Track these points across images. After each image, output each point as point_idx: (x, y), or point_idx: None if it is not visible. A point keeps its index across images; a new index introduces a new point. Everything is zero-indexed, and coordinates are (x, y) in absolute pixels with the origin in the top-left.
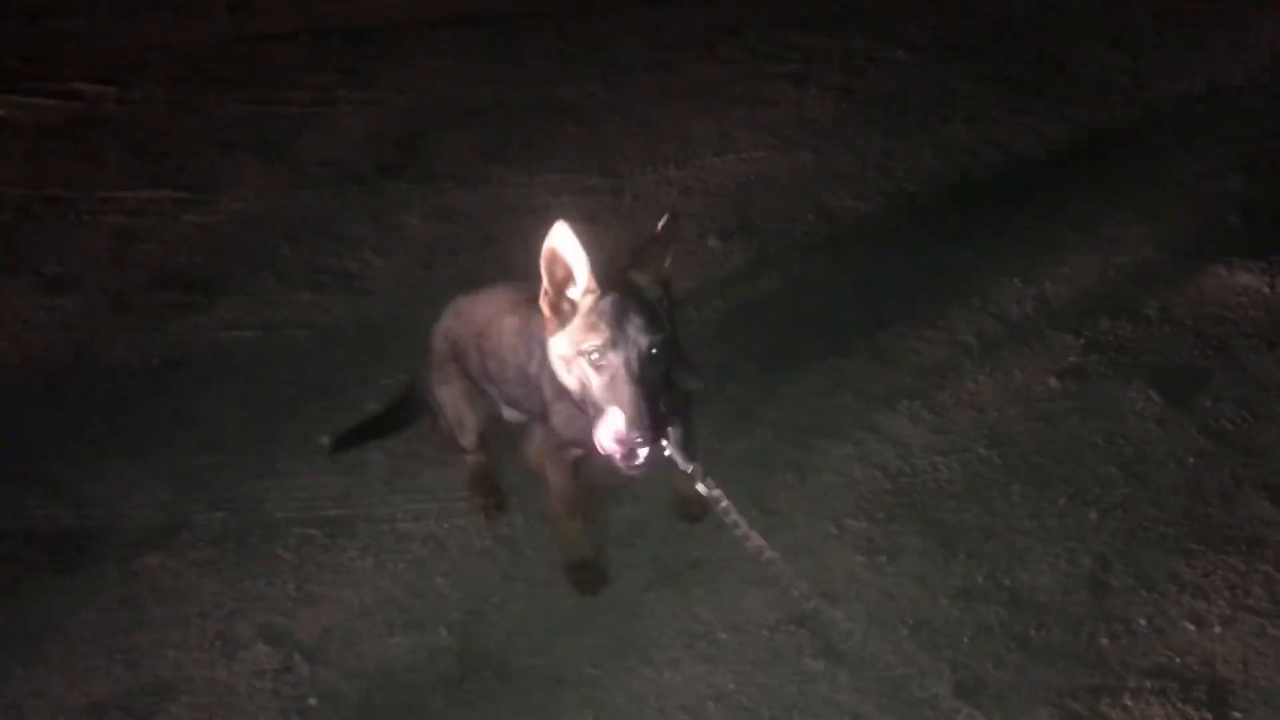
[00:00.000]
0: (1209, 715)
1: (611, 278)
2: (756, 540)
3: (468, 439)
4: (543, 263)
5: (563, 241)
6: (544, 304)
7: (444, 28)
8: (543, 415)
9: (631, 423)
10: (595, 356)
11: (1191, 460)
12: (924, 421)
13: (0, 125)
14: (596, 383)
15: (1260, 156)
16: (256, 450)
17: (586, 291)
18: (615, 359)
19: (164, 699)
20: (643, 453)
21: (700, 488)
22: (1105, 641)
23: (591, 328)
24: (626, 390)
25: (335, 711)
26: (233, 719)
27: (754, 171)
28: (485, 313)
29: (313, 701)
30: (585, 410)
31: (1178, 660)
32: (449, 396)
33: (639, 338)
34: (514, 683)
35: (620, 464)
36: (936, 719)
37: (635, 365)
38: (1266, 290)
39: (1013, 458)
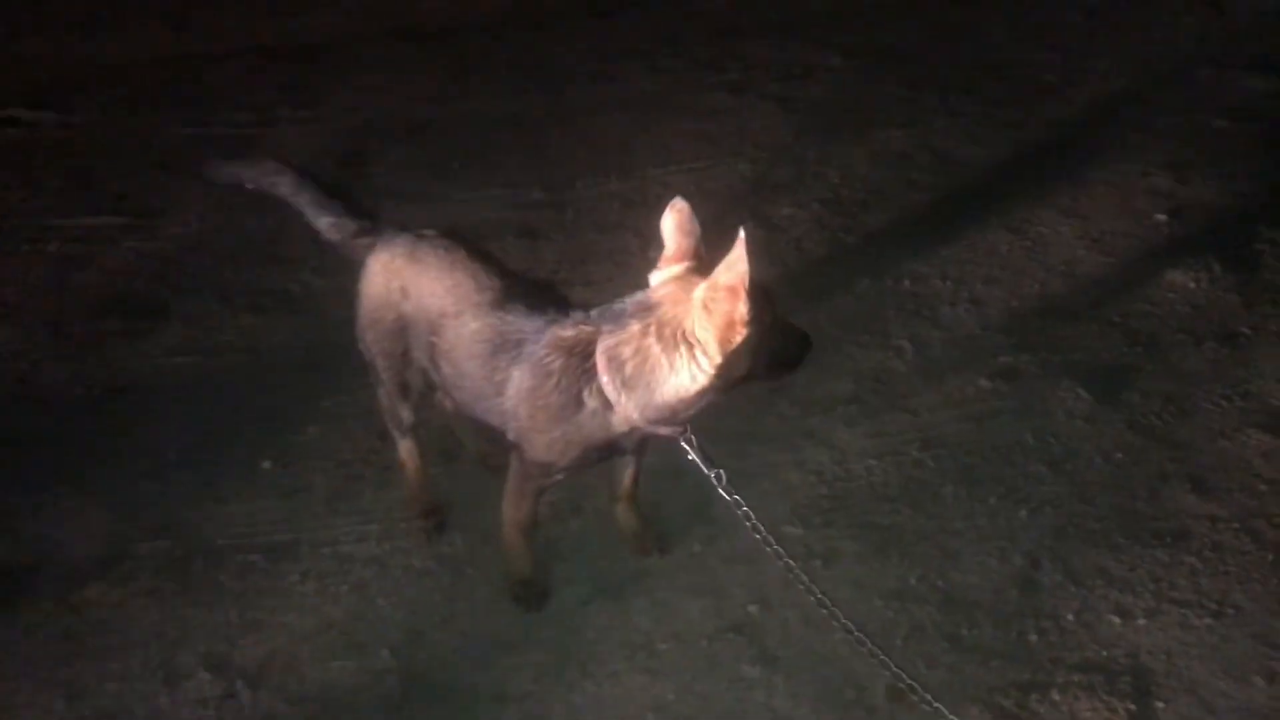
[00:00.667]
0: (1133, 706)
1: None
2: (776, 547)
3: (401, 428)
4: (750, 270)
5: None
6: (744, 315)
7: (386, 43)
8: (516, 445)
9: (802, 343)
10: (774, 322)
11: (1119, 456)
12: (859, 425)
13: None
14: (777, 343)
15: (1187, 155)
16: (198, 477)
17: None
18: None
19: None
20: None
21: (722, 492)
22: (1034, 638)
23: (768, 303)
24: (789, 325)
25: None
26: None
27: (694, 182)
28: (439, 302)
29: None
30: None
31: (1104, 654)
32: (389, 380)
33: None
34: (456, 701)
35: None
36: None
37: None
38: (1193, 286)
39: (945, 459)
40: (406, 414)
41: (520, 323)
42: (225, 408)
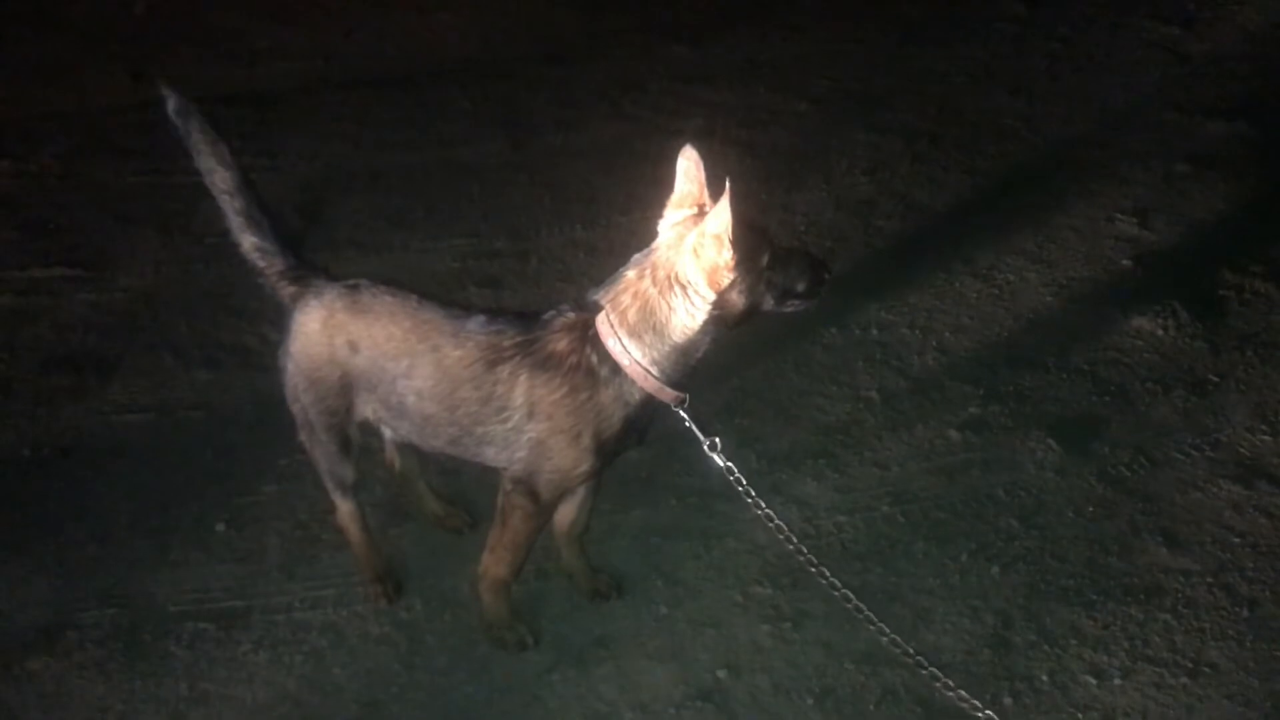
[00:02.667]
0: None
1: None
2: (767, 512)
3: (344, 487)
4: (732, 226)
5: (727, 213)
6: (730, 260)
7: (347, 91)
8: (522, 480)
9: (817, 270)
10: (772, 261)
11: (1091, 509)
12: (828, 480)
13: None
14: (781, 277)
15: (1152, 200)
16: (148, 540)
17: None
18: (784, 253)
19: None
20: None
21: (717, 459)
22: (1009, 700)
23: (758, 246)
24: (798, 255)
25: None
26: None
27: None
28: (402, 345)
29: None
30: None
31: (1080, 716)
32: (329, 440)
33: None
34: None
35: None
36: None
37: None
38: (1160, 333)
39: (915, 515)
40: (349, 472)
41: (513, 329)
42: (178, 468)
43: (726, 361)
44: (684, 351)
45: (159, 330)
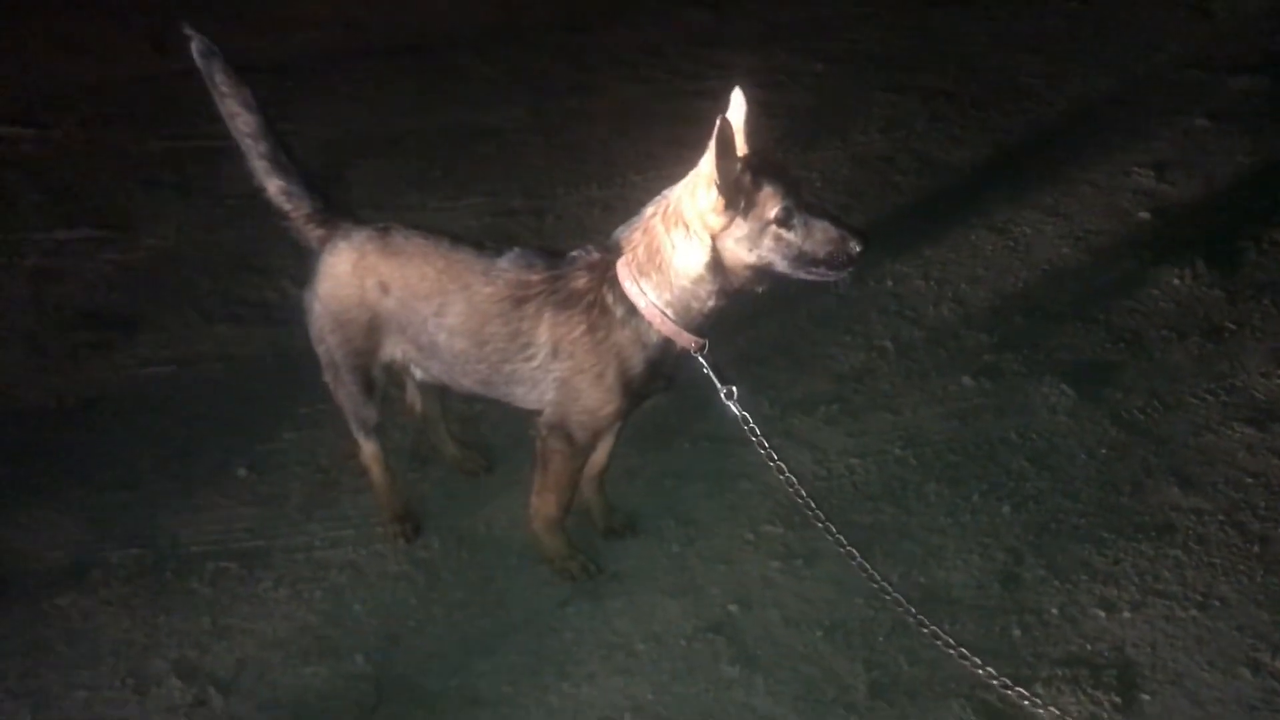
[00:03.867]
0: (1118, 699)
1: (745, 158)
2: (779, 464)
3: (367, 428)
4: (716, 162)
5: (731, 136)
6: (718, 200)
7: (368, 59)
8: (555, 425)
9: (845, 241)
10: (784, 217)
11: (1103, 451)
12: (841, 425)
13: None
14: (793, 237)
15: (1171, 155)
16: (172, 485)
17: (742, 172)
18: (802, 212)
19: None
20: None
21: (733, 408)
22: (1018, 633)
23: (771, 197)
24: (825, 225)
25: None
26: None
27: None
28: (435, 284)
29: None
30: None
31: (1088, 647)
32: (353, 381)
33: (801, 186)
34: (430, 706)
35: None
36: (851, 718)
37: (815, 201)
38: (1177, 282)
39: (927, 457)
40: (372, 413)
41: (544, 266)
42: (201, 417)
43: (743, 312)
44: (691, 295)
45: (182, 287)
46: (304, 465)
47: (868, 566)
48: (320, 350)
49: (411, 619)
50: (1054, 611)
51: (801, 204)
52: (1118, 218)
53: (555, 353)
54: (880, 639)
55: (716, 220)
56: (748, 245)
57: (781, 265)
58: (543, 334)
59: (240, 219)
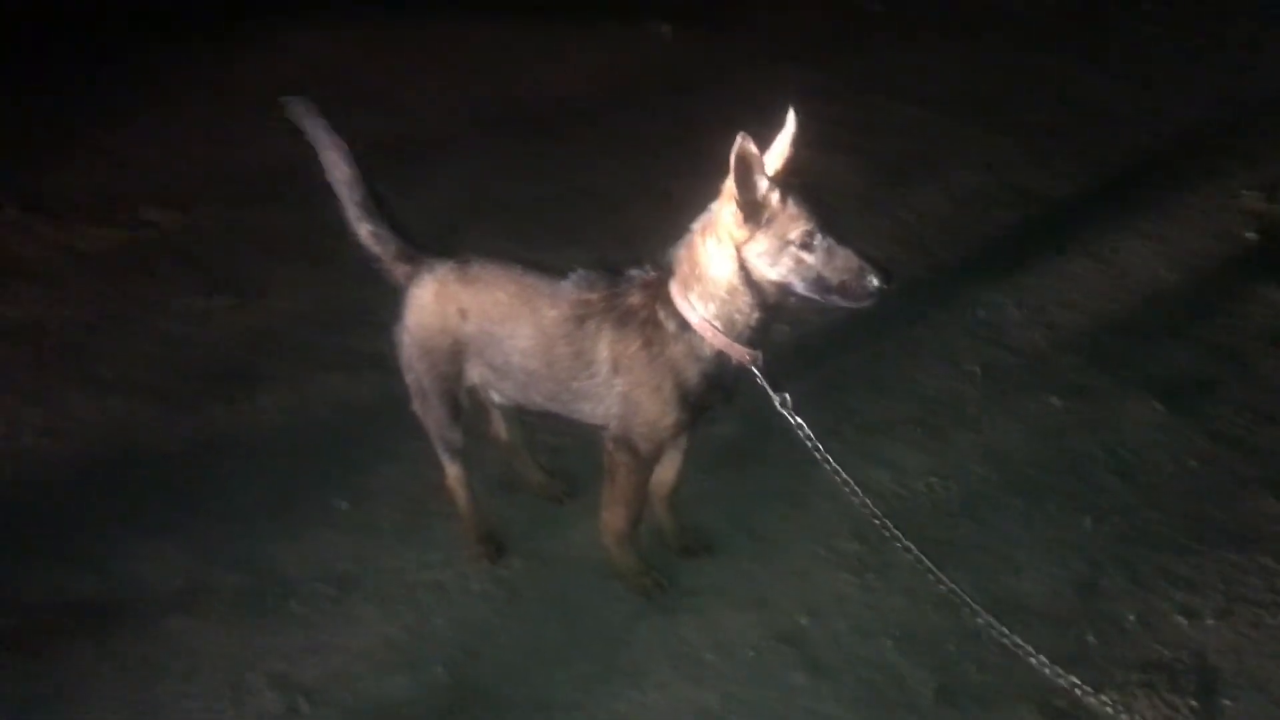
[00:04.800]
0: (1195, 703)
1: (778, 178)
2: (834, 466)
3: (453, 451)
4: (734, 178)
5: (749, 153)
6: (735, 216)
7: (480, 130)
8: (619, 438)
9: (864, 274)
10: (805, 241)
11: (1193, 464)
12: (922, 446)
13: (78, 257)
14: (813, 261)
15: (1277, 172)
16: (277, 518)
17: (770, 190)
18: (826, 237)
19: None
20: (880, 292)
21: (786, 415)
22: (1092, 639)
23: (794, 219)
24: (848, 254)
25: None
26: None
27: None
28: (508, 309)
29: None
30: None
31: (1167, 654)
32: (439, 405)
33: (830, 212)
34: (503, 711)
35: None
36: None
37: (839, 234)
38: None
39: (1009, 473)
40: (457, 436)
41: (604, 286)
42: (308, 457)
43: (825, 345)
44: (733, 307)
45: (301, 342)
46: (399, 496)
47: (934, 569)
48: (409, 378)
49: (490, 633)
50: (1131, 619)
51: (827, 230)
52: (1221, 240)
53: (615, 368)
54: (950, 647)
55: (739, 233)
56: (769, 261)
57: (800, 286)
58: (603, 351)
59: (360, 283)
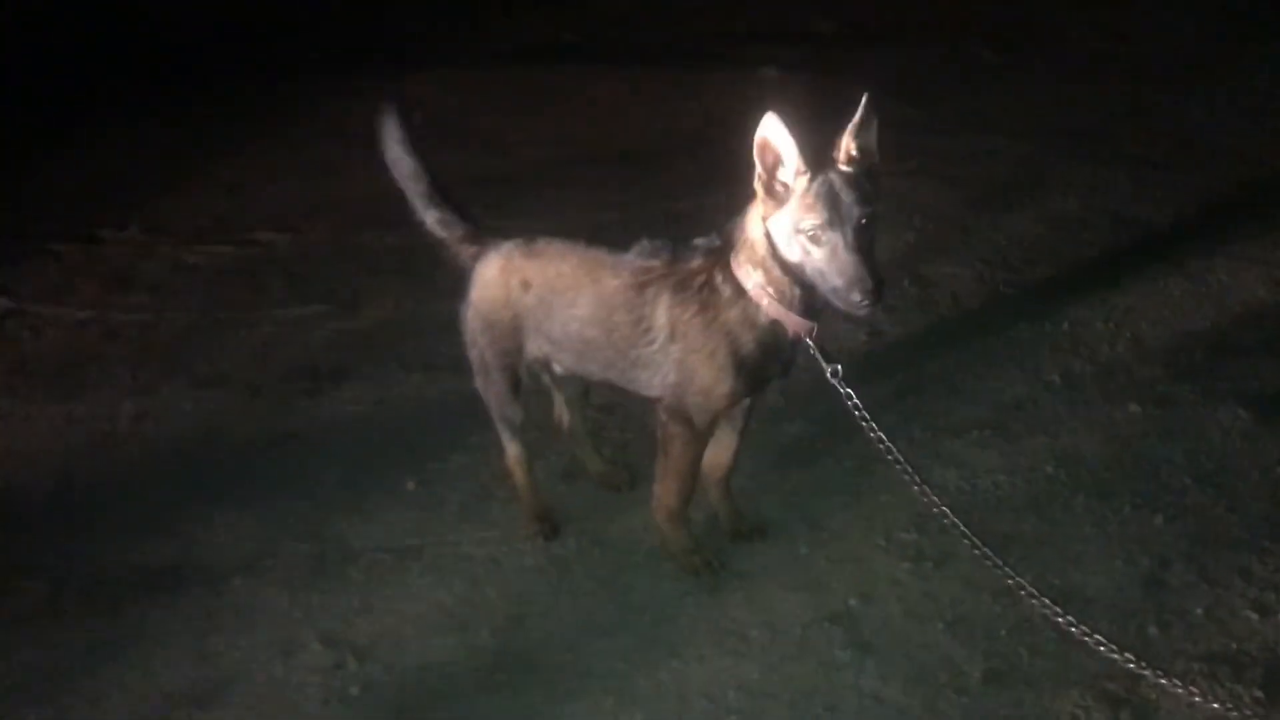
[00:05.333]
0: (1260, 693)
1: (819, 161)
2: (886, 443)
3: (513, 427)
4: (755, 150)
5: (773, 130)
6: (758, 188)
7: (580, 166)
8: (674, 410)
9: (853, 286)
10: (814, 233)
11: (1279, 470)
12: (993, 447)
13: (188, 270)
14: (817, 255)
15: None
16: (347, 496)
17: (798, 174)
18: (833, 235)
19: (223, 690)
20: (868, 310)
21: (838, 385)
22: (1154, 630)
23: (808, 208)
24: (847, 260)
25: (372, 698)
26: (281, 706)
27: None
28: (570, 280)
29: (354, 691)
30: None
31: (1234, 646)
32: (501, 379)
33: (852, 213)
34: (543, 674)
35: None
36: (961, 700)
37: (851, 237)
38: None
39: (1080, 474)
40: (518, 412)
41: (666, 254)
42: (384, 445)
43: (900, 353)
44: (778, 278)
45: (389, 347)
46: (466, 481)
47: (990, 553)
48: (473, 354)
49: (539, 604)
50: (1198, 612)
51: (835, 228)
52: None
53: (672, 334)
54: (1003, 632)
55: (764, 207)
56: (784, 241)
57: (806, 273)
58: (661, 317)
59: (449, 297)
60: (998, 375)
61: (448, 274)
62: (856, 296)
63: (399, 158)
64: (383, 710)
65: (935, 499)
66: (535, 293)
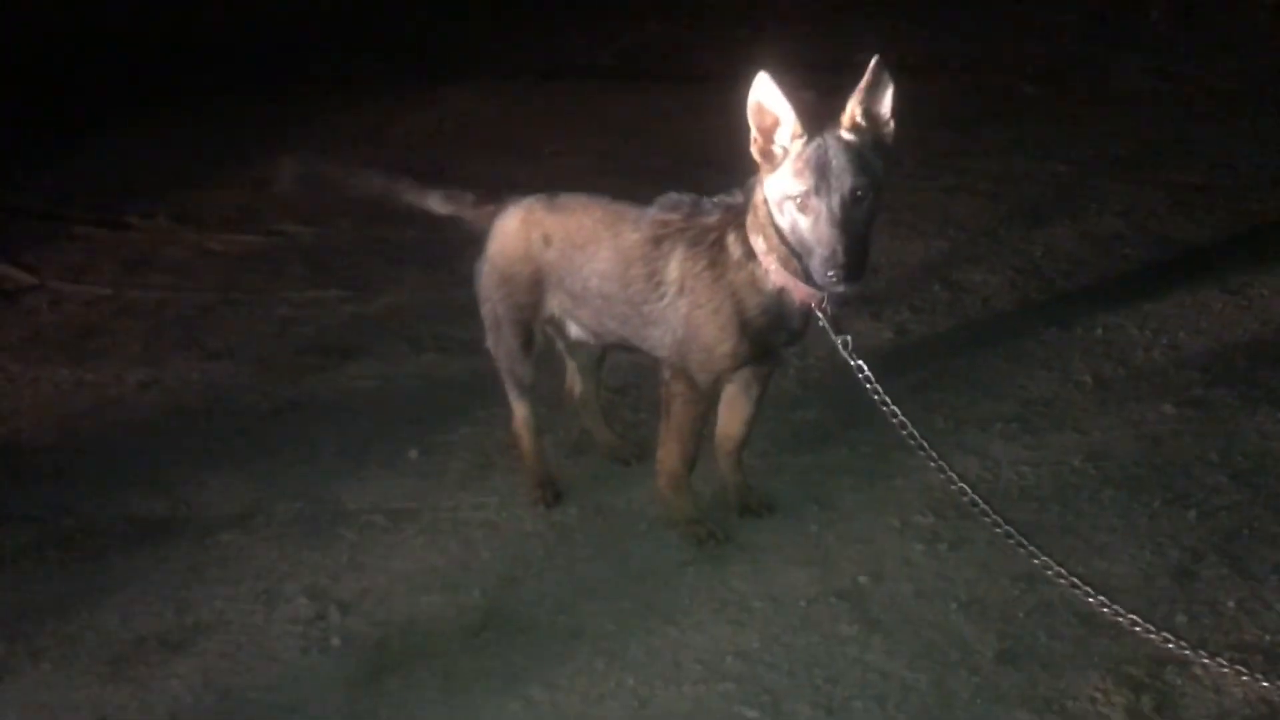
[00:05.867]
0: None
1: (818, 125)
2: (902, 420)
3: (522, 386)
4: (750, 113)
5: (765, 91)
6: (754, 150)
7: (615, 181)
8: (679, 369)
9: (827, 262)
10: (800, 200)
11: None
12: (1018, 440)
13: (209, 255)
14: (803, 224)
15: None
16: (347, 460)
17: (794, 137)
18: (819, 203)
19: (199, 635)
20: (841, 288)
21: (847, 356)
22: (1183, 619)
23: (797, 174)
24: (827, 233)
25: (352, 650)
26: (257, 653)
27: (888, 257)
28: (591, 233)
29: (335, 642)
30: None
31: (1266, 638)
32: (514, 336)
33: (842, 182)
34: (532, 635)
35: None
36: (972, 679)
37: (837, 209)
38: None
39: (1110, 469)
40: (529, 371)
41: (686, 208)
42: (389, 416)
43: (928, 350)
44: (774, 236)
45: (402, 328)
46: (468, 451)
47: (1015, 533)
48: (485, 310)
49: (534, 567)
50: (1230, 604)
51: (825, 196)
52: None
53: (681, 289)
54: (1020, 615)
55: (763, 168)
56: (777, 206)
57: (792, 240)
58: (673, 271)
59: (467, 285)
60: (1026, 374)
61: (465, 262)
62: (829, 272)
63: (365, 180)
64: (361, 662)
65: (952, 474)
66: (556, 247)
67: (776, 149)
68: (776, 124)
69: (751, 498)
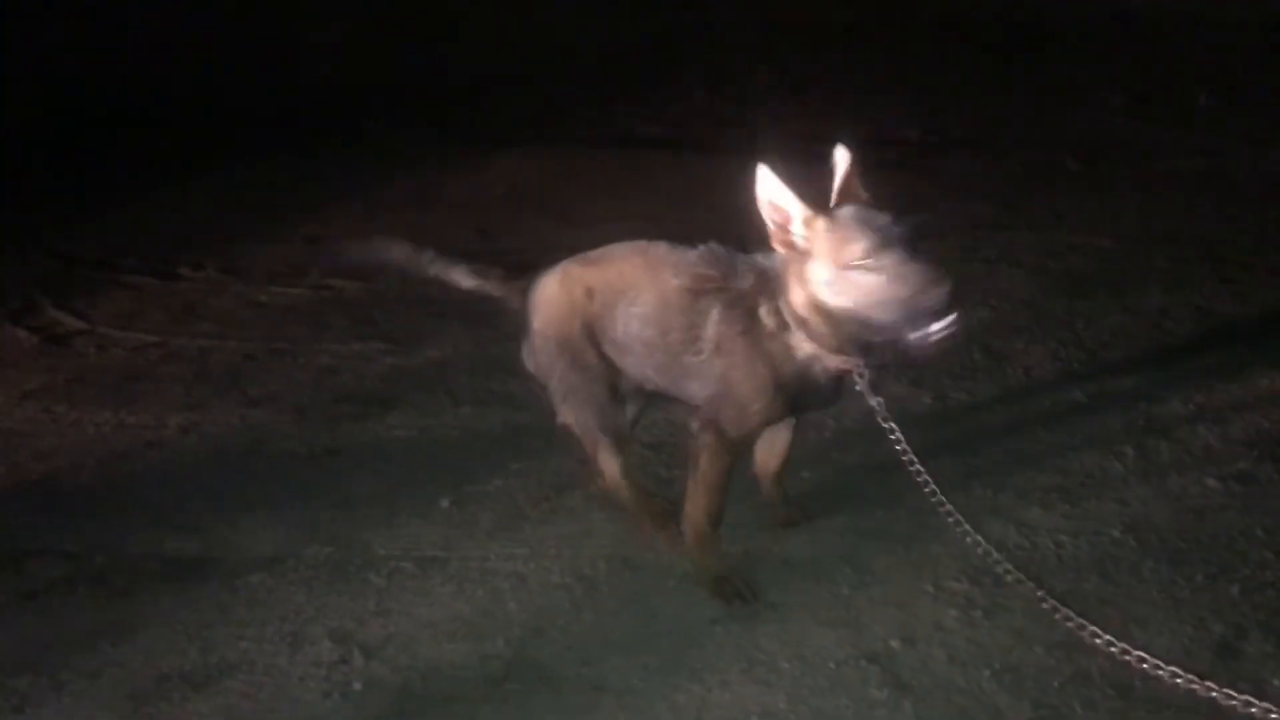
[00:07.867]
0: None
1: (823, 204)
2: (926, 476)
3: (619, 439)
4: (764, 211)
5: (769, 185)
6: (777, 245)
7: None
8: (712, 421)
9: (932, 284)
10: (866, 260)
11: None
12: (1056, 509)
13: (256, 306)
14: (879, 282)
15: None
16: (380, 508)
17: (809, 221)
18: (888, 254)
19: (222, 674)
20: (946, 322)
21: (876, 410)
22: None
23: (846, 241)
24: (914, 269)
25: (374, 695)
26: (278, 694)
27: None
28: (633, 281)
29: (357, 686)
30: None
31: None
32: (600, 391)
33: (892, 226)
34: (555, 686)
35: (935, 340)
36: None
37: (906, 248)
38: None
39: (1151, 541)
40: (622, 419)
41: (724, 264)
42: (424, 466)
43: (967, 418)
44: (813, 319)
45: (442, 381)
46: (500, 503)
47: (1048, 596)
48: (553, 384)
49: (560, 619)
50: (1275, 683)
51: (889, 246)
52: None
53: (717, 348)
54: (1056, 685)
55: (794, 264)
56: (829, 288)
57: (860, 311)
58: (709, 329)
59: (509, 340)
60: (1066, 444)
61: (505, 320)
62: (940, 291)
63: (395, 256)
64: (383, 707)
65: (978, 537)
66: (599, 298)
67: (797, 239)
68: (788, 216)
69: (792, 510)
